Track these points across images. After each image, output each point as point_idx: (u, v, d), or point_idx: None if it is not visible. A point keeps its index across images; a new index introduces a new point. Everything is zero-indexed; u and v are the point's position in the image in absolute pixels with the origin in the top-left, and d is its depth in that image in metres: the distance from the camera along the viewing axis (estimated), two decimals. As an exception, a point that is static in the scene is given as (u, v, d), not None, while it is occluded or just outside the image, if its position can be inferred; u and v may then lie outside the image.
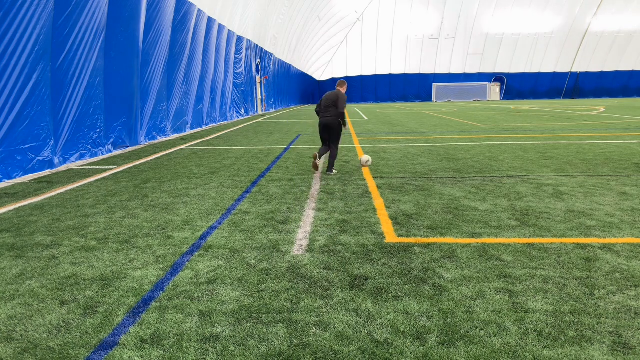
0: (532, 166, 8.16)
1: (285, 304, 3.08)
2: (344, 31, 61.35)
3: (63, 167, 9.01)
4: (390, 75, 67.12)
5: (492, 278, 3.42)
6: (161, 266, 3.78)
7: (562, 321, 2.79)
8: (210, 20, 19.10)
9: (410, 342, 2.59)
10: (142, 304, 3.10)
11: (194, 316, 2.93)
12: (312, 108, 45.25)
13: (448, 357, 2.44)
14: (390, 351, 2.51)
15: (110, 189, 6.88)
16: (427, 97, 67.01)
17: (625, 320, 2.79)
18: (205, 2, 17.84)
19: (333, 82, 68.15)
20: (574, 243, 4.14)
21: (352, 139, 13.63)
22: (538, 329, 2.70)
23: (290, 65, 47.63)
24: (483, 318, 2.84)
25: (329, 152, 7.86)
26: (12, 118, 7.78)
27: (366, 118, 24.59)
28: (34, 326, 2.84)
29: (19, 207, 5.85)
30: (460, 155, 9.73)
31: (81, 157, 9.89)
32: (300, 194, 6.30)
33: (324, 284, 3.39)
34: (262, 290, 3.29)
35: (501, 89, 67.70)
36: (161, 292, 3.28)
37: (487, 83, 66.56)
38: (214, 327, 2.79)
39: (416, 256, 3.89)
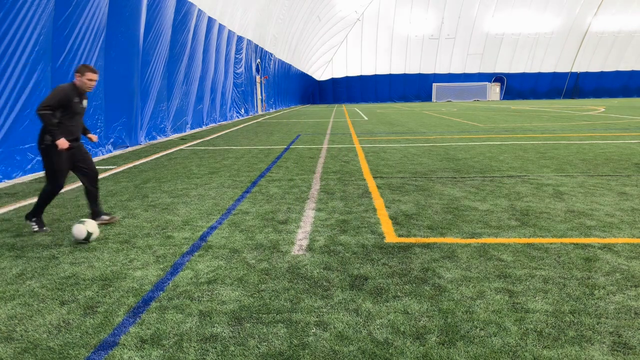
0: (532, 166, 8.16)
1: (285, 304, 3.08)
2: (344, 31, 61.36)
3: (63, 167, 8.99)
4: (390, 75, 67.12)
5: (492, 278, 3.42)
6: (161, 266, 3.78)
7: (562, 321, 2.79)
8: (210, 20, 19.10)
9: (410, 342, 2.59)
10: (142, 304, 3.10)
11: (194, 316, 2.93)
12: (312, 108, 45.26)
13: (448, 357, 2.44)
14: (390, 351, 2.51)
15: (110, 189, 6.88)
16: (427, 97, 67.03)
17: (625, 320, 2.79)
18: (205, 2, 17.85)
19: (333, 82, 68.16)
20: (574, 243, 4.14)
21: (352, 139, 13.63)
22: (538, 329, 2.70)
23: (290, 65, 47.64)
24: (483, 318, 2.84)
25: None
26: (12, 118, 7.78)
27: (366, 118, 24.59)
28: (34, 326, 2.84)
29: (19, 207, 5.85)
30: (460, 155, 9.73)
31: (81, 157, 9.87)
32: (300, 194, 6.31)
33: (324, 284, 3.39)
34: (262, 290, 3.29)
35: (501, 89, 67.72)
36: (161, 292, 3.28)
37: (487, 83, 66.58)
38: (214, 327, 2.79)
39: (416, 256, 3.89)
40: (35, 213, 4.75)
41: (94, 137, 5.03)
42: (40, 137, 4.54)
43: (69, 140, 4.60)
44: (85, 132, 5.01)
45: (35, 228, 4.73)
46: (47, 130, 4.43)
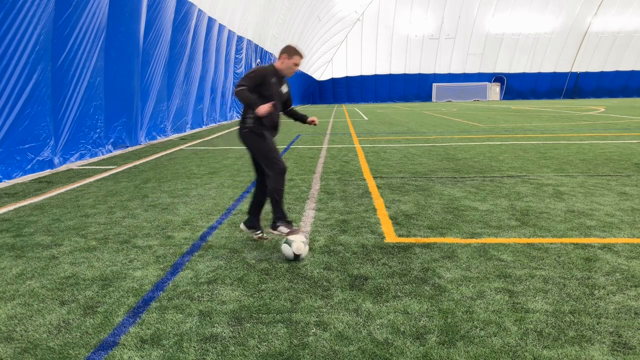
0: (532, 166, 8.16)
1: (285, 304, 3.08)
2: (344, 31, 61.32)
3: (63, 167, 9.01)
4: (390, 75, 67.07)
5: (492, 278, 3.42)
6: (161, 266, 3.78)
7: (562, 321, 2.79)
8: (210, 20, 19.10)
9: (410, 342, 2.59)
10: (142, 304, 3.10)
11: (194, 316, 2.93)
12: (312, 108, 45.21)
13: (448, 357, 2.44)
14: (390, 351, 2.51)
15: (110, 189, 6.88)
16: (427, 97, 66.99)
17: (625, 320, 2.79)
18: (205, 2, 17.84)
19: (333, 82, 68.06)
20: (574, 243, 4.14)
21: (352, 139, 13.63)
22: (538, 329, 2.70)
23: (290, 65, 47.53)
24: (483, 318, 2.84)
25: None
26: (12, 118, 7.78)
27: (366, 118, 24.59)
28: (34, 326, 2.84)
29: (19, 207, 5.85)
30: (460, 155, 9.73)
31: (81, 157, 9.89)
32: (300, 194, 6.30)
33: (324, 284, 3.39)
34: (262, 290, 3.29)
35: (501, 89, 67.68)
36: (161, 292, 3.28)
37: (487, 83, 66.54)
38: (214, 327, 2.79)
39: (416, 256, 3.89)
40: (278, 216, 4.12)
41: (315, 120, 4.44)
42: (241, 123, 4.06)
43: (268, 128, 4.04)
44: (303, 118, 4.43)
45: (286, 230, 4.06)
46: (248, 104, 3.91)
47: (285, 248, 3.83)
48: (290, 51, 4.02)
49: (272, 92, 4.02)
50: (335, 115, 28.60)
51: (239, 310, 2.99)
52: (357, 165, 8.68)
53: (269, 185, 4.10)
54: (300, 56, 4.06)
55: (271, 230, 4.23)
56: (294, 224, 4.55)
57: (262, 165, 4.12)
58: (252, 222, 4.36)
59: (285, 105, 4.36)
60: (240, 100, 3.93)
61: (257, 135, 4.02)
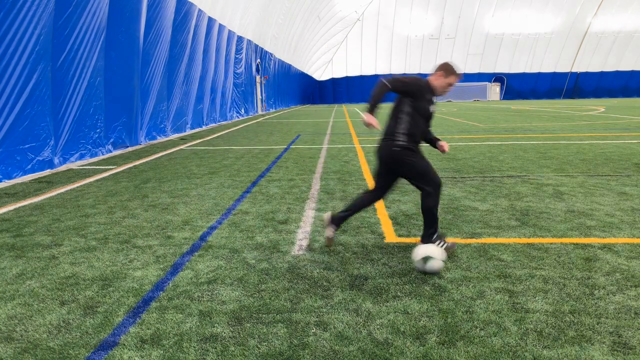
0: (532, 166, 8.16)
1: (285, 304, 3.08)
2: (344, 31, 61.34)
3: (63, 167, 9.01)
4: (390, 75, 67.02)
5: (492, 278, 3.42)
6: (161, 266, 3.78)
7: (562, 321, 2.79)
8: (210, 20, 19.10)
9: (410, 342, 2.59)
10: (142, 304, 3.10)
11: (194, 316, 2.93)
12: (312, 108, 45.17)
13: (448, 357, 2.44)
14: (390, 351, 2.51)
15: (110, 189, 6.88)
16: (427, 97, 66.90)
17: (625, 320, 2.79)
18: (205, 2, 17.85)
19: (333, 82, 68.01)
20: (574, 243, 4.14)
21: (352, 139, 13.63)
22: (538, 329, 2.70)
23: (290, 65, 47.63)
24: (483, 318, 2.84)
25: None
26: (12, 118, 7.79)
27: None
28: (34, 326, 2.84)
29: (19, 207, 5.85)
30: (460, 155, 9.73)
31: (81, 157, 9.89)
32: (300, 194, 6.30)
33: (324, 284, 3.39)
34: (262, 290, 3.29)
35: (501, 89, 67.69)
36: (161, 292, 3.28)
37: (487, 83, 66.55)
38: (214, 327, 2.79)
39: (416, 256, 3.89)
40: (437, 234, 3.88)
41: (445, 146, 4.14)
42: (387, 141, 3.81)
43: (411, 143, 3.78)
44: (433, 141, 4.13)
45: (449, 245, 3.90)
46: (372, 98, 3.56)
47: (435, 263, 3.49)
48: (448, 70, 3.77)
49: (422, 110, 3.75)
50: (335, 115, 28.60)
51: (239, 310, 2.99)
52: (357, 165, 8.68)
53: (427, 202, 3.82)
54: (457, 77, 3.78)
55: (429, 242, 3.89)
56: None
57: (417, 182, 3.86)
58: (340, 220, 4.05)
59: (427, 125, 3.92)
60: (373, 91, 3.58)
61: (411, 152, 3.78)
